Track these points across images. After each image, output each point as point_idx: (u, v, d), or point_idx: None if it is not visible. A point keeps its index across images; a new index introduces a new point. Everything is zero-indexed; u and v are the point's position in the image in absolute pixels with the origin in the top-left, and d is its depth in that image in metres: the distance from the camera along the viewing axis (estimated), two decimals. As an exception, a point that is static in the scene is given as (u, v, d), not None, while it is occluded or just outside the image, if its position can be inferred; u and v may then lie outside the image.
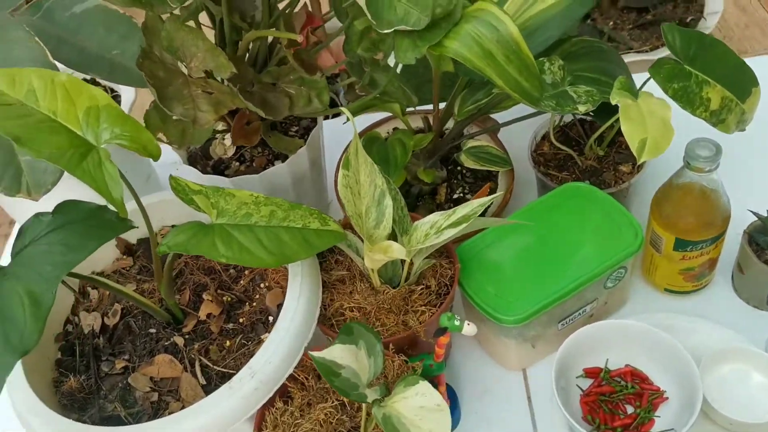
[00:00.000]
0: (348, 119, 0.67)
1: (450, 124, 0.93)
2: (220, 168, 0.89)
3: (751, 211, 0.79)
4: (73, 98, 0.59)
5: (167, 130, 0.75)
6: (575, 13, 0.76)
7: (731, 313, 0.82)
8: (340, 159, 0.95)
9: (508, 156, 0.89)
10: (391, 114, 0.95)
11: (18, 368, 0.65)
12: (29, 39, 0.65)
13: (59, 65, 0.69)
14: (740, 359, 0.75)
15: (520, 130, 0.92)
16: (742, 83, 0.77)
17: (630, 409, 0.75)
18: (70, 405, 0.67)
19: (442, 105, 0.89)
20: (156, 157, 0.60)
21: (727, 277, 0.85)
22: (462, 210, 0.68)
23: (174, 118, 0.72)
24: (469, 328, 0.65)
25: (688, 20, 1.82)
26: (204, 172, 0.87)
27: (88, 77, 0.83)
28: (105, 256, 0.79)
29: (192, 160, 0.91)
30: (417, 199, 0.93)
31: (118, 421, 0.64)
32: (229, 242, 0.60)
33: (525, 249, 0.77)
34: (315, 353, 0.56)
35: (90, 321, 0.74)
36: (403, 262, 0.74)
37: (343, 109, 0.69)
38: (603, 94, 0.76)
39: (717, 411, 0.70)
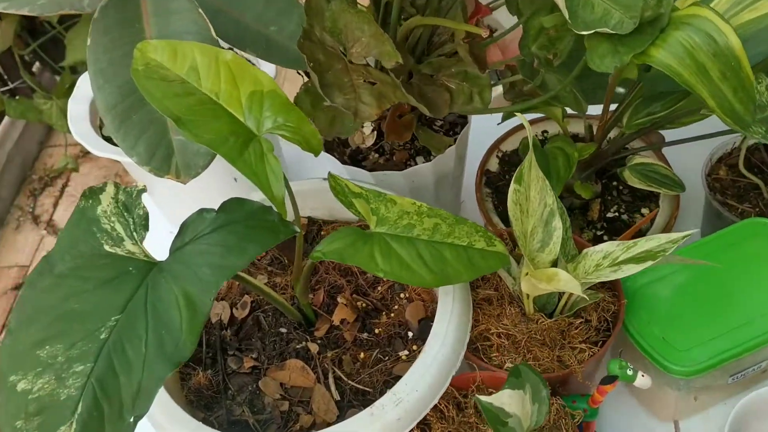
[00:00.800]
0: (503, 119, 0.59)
1: (612, 133, 0.84)
2: (357, 158, 0.84)
3: None
4: (237, 80, 0.54)
5: (317, 117, 0.69)
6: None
7: None
8: (483, 160, 0.88)
9: (679, 179, 0.79)
10: (543, 115, 0.87)
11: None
12: (193, 10, 0.60)
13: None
14: None
15: (686, 150, 0.82)
16: None
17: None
18: (196, 402, 0.63)
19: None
20: (317, 153, 0.55)
21: None
22: (645, 244, 0.60)
23: (325, 104, 0.67)
24: (643, 380, 0.57)
25: None
26: (342, 161, 0.81)
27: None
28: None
29: (328, 147, 0.86)
30: (569, 214, 0.85)
31: (246, 427, 0.60)
32: (389, 255, 0.54)
33: (696, 290, 0.68)
34: (483, 398, 0.49)
35: (218, 310, 0.70)
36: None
37: (519, 114, 0.62)
38: (816, 121, 0.65)
39: None
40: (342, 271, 0.71)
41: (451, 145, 0.78)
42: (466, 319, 0.62)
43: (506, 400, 0.50)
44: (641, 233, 0.81)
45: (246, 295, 0.71)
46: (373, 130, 0.84)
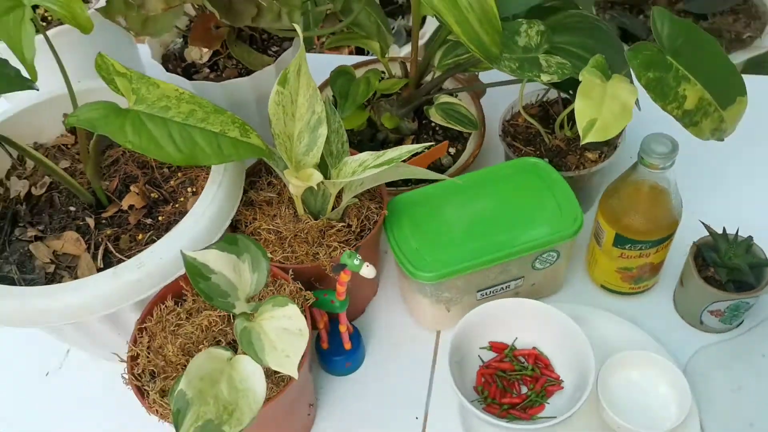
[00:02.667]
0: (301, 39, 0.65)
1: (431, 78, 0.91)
2: (189, 72, 0.89)
3: (703, 223, 0.75)
4: (17, -45, 0.59)
5: (128, 15, 0.74)
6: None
7: (663, 325, 0.79)
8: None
9: (477, 120, 0.86)
10: (375, 57, 0.93)
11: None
12: None
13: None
14: (650, 367, 0.72)
15: (508, 98, 0.89)
16: (727, 89, 0.72)
17: (524, 390, 0.73)
18: (-29, 258, 0.68)
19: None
20: (86, 30, 0.60)
21: (671, 288, 0.82)
22: (391, 153, 0.66)
23: (136, 5, 0.72)
24: (367, 270, 0.64)
25: (744, 36, 1.74)
26: (168, 70, 0.86)
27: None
28: (51, 129, 0.80)
29: (165, 59, 0.90)
30: (381, 146, 0.92)
31: (10, 283, 0.65)
32: (140, 130, 0.59)
33: (460, 212, 0.75)
34: (187, 252, 0.55)
35: (19, 187, 0.75)
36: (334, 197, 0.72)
37: (295, 25, 0.67)
38: (576, 69, 0.72)
39: (606, 410, 0.68)
40: (139, 163, 0.77)
41: (269, 64, 0.84)
42: (229, 206, 0.68)
43: (211, 258, 0.56)
44: (442, 169, 0.88)
45: (47, 177, 0.76)
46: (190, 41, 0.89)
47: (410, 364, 0.79)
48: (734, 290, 0.73)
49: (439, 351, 0.79)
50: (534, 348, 0.75)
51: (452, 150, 0.91)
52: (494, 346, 0.75)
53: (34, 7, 0.58)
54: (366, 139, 0.91)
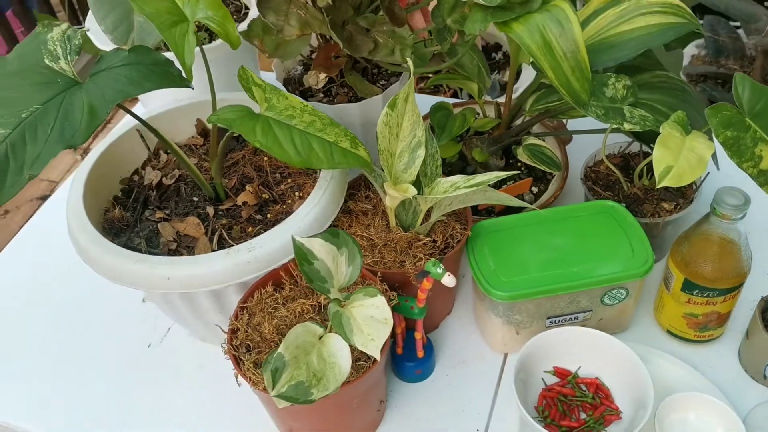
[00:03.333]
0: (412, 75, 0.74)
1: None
2: (306, 95, 0.99)
3: (771, 279, 0.78)
4: (187, -21, 0.71)
5: (265, 39, 0.85)
6: (651, 42, 0.78)
7: (725, 375, 0.82)
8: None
9: (560, 162, 0.93)
10: (471, 100, 1.01)
11: (80, 189, 0.79)
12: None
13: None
14: (708, 411, 0.75)
15: (592, 147, 0.95)
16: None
17: (583, 416, 0.77)
18: (108, 229, 0.79)
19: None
20: (234, 45, 0.70)
21: (737, 341, 0.84)
22: (481, 177, 0.73)
23: (272, 28, 0.83)
24: (448, 279, 0.71)
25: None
26: (287, 91, 0.97)
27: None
28: (184, 130, 0.91)
29: (286, 83, 1.02)
30: (469, 178, 0.99)
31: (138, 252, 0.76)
32: (267, 132, 0.69)
33: (537, 243, 0.81)
34: (297, 237, 0.64)
35: (152, 176, 0.86)
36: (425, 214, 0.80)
37: (408, 60, 0.76)
38: (658, 123, 0.78)
39: (660, 444, 0.71)
40: (256, 166, 0.87)
41: (377, 94, 0.93)
42: (333, 207, 0.77)
43: (316, 245, 0.64)
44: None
45: (177, 170, 0.87)
46: (326, 77, 1.00)
47: (476, 380, 0.84)
48: (798, 347, 0.76)
49: (505, 371, 0.84)
50: (596, 378, 0.79)
51: (535, 189, 0.97)
52: (558, 371, 0.80)
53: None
54: (456, 170, 0.99)
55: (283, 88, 0.96)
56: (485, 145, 0.97)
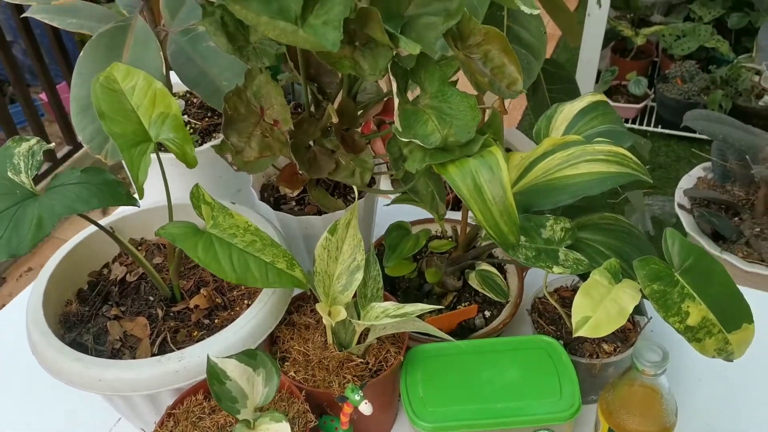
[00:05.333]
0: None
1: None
2: (280, 202, 1.05)
3: (696, 436, 0.78)
4: (156, 102, 0.78)
5: (235, 155, 0.92)
6: (589, 190, 0.81)
7: None
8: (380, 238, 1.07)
9: (506, 292, 0.95)
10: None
11: (44, 280, 0.84)
12: (157, 50, 0.85)
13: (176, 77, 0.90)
14: None
15: (554, 275, 0.97)
16: (733, 314, 0.77)
17: None
18: (64, 323, 0.85)
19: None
20: (190, 165, 0.77)
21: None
22: (408, 308, 0.76)
23: (237, 151, 0.89)
24: (365, 407, 0.73)
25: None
26: (262, 198, 1.03)
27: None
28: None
29: (264, 188, 1.08)
30: (426, 296, 1.02)
31: (84, 350, 0.80)
32: (208, 249, 0.74)
33: (470, 374, 0.83)
34: (212, 356, 0.67)
35: (118, 272, 0.92)
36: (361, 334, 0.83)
37: (355, 187, 0.81)
38: (593, 266, 0.80)
39: None
40: (213, 271, 0.92)
41: (340, 209, 0.98)
42: (267, 324, 0.81)
43: (230, 366, 0.67)
44: (474, 329, 0.97)
45: (140, 268, 0.92)
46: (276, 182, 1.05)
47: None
48: None
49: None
50: None
51: (488, 313, 0.99)
52: (477, 506, 0.80)
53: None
54: (414, 287, 1.02)
55: (256, 195, 1.02)
56: (444, 265, 1.00)
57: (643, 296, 0.76)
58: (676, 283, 0.76)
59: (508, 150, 1.70)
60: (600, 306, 0.73)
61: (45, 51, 2.58)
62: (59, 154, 2.60)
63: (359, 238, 0.80)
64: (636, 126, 2.80)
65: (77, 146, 2.65)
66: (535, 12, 0.83)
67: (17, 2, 0.89)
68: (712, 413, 0.91)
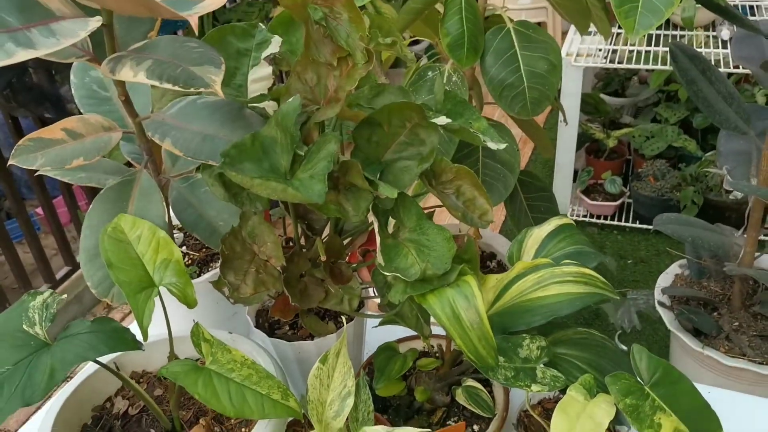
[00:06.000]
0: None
1: (466, 360, 1.07)
2: (274, 327, 1.11)
3: None
4: (159, 249, 0.85)
5: (231, 291, 0.99)
6: (560, 311, 0.88)
7: None
8: (369, 357, 1.12)
9: (492, 407, 1.00)
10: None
11: (51, 417, 0.89)
12: (160, 200, 0.94)
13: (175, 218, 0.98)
14: None
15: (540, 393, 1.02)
16: (703, 426, 0.82)
17: None
18: (70, 459, 0.88)
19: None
20: (190, 306, 0.83)
21: None
22: (398, 431, 0.81)
23: (233, 289, 0.96)
24: None
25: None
26: (257, 324, 1.09)
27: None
28: (158, 361, 1.03)
29: (258, 314, 1.14)
30: (416, 413, 1.06)
31: (88, 486, 0.84)
32: (207, 385, 0.79)
33: (460, 490, 0.87)
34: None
35: (120, 406, 0.96)
36: (353, 457, 0.87)
37: (343, 318, 0.88)
38: (569, 382, 0.86)
39: None
40: (212, 401, 0.96)
41: (331, 333, 1.04)
42: (265, 454, 0.85)
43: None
44: (464, 443, 1.01)
45: (142, 401, 0.97)
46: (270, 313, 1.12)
47: None
48: None
49: None
50: None
51: (476, 427, 1.03)
52: None
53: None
54: (404, 404, 1.06)
55: (251, 322, 1.08)
56: (432, 382, 1.05)
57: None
58: (646, 397, 0.81)
59: (491, 254, 1.78)
60: (577, 423, 0.78)
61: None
62: (58, 276, 2.66)
63: (349, 366, 0.86)
64: (615, 222, 2.91)
65: (75, 266, 2.72)
66: (502, 146, 0.92)
67: (37, 171, 0.97)
68: None
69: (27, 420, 1.20)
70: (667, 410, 0.81)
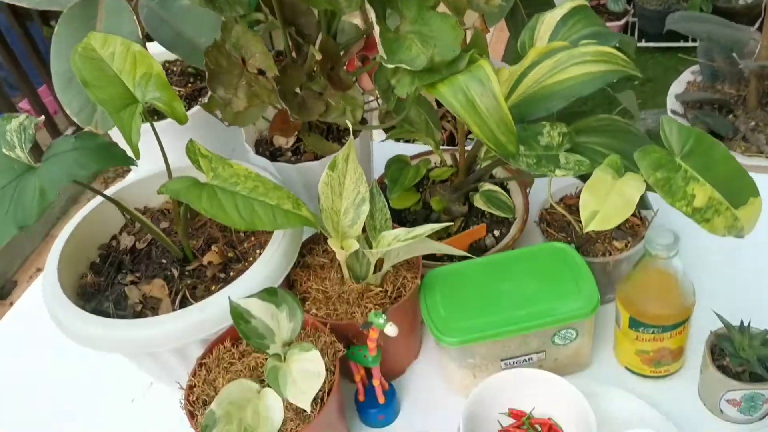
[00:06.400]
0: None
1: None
2: (276, 155, 1.05)
3: (716, 314, 0.79)
4: (137, 64, 0.77)
5: (224, 109, 0.91)
6: (581, 91, 0.81)
7: (684, 411, 0.82)
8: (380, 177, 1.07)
9: (512, 207, 0.96)
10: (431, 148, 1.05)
11: (55, 257, 0.85)
12: (131, 17, 0.85)
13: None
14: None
15: (556, 188, 0.98)
16: (739, 190, 0.77)
17: (535, 458, 0.79)
18: (81, 294, 0.86)
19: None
20: (181, 121, 0.77)
21: (697, 374, 0.85)
22: (418, 230, 0.77)
23: (225, 103, 0.89)
24: (390, 329, 0.74)
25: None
26: (258, 152, 1.03)
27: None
28: (158, 196, 0.98)
29: (258, 143, 1.08)
30: (434, 225, 1.02)
31: (105, 316, 0.81)
32: (212, 199, 0.74)
33: (487, 287, 0.84)
34: (233, 299, 0.68)
35: (127, 242, 0.92)
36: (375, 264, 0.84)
37: (348, 122, 0.81)
38: (594, 166, 0.81)
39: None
40: (221, 227, 0.92)
41: (336, 151, 0.98)
42: (282, 267, 0.81)
43: (252, 305, 0.68)
44: (485, 249, 0.98)
45: (149, 234, 0.93)
46: (295, 137, 1.06)
47: (440, 424, 0.86)
48: (748, 381, 0.76)
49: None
50: (549, 418, 0.81)
51: (497, 232, 1.00)
52: (513, 413, 0.82)
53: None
54: (421, 218, 1.03)
55: (251, 150, 1.02)
56: (447, 193, 1.01)
57: (648, 188, 0.77)
58: (678, 168, 0.76)
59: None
60: (606, 200, 0.74)
61: (21, 57, 2.57)
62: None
63: (360, 172, 0.80)
64: (619, 44, 2.78)
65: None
66: None
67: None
68: (730, 292, 0.93)
69: (38, 276, 1.18)
70: (700, 180, 0.76)
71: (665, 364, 0.83)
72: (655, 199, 0.87)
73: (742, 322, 0.79)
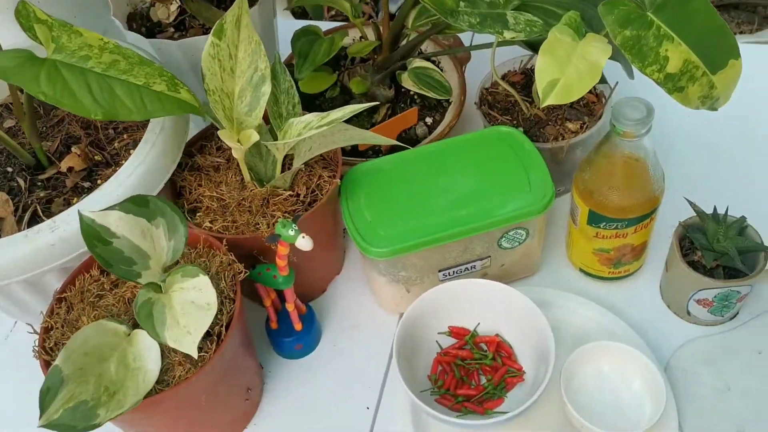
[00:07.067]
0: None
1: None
2: (154, 31, 0.84)
3: (688, 200, 0.67)
4: None
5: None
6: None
7: (645, 315, 0.72)
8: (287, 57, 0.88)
9: (449, 86, 0.80)
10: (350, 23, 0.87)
11: None
12: None
13: None
14: (623, 360, 0.65)
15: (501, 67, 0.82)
16: (718, 51, 0.64)
17: (483, 381, 0.67)
18: None
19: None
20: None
21: (658, 274, 0.74)
22: (335, 113, 0.60)
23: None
24: (303, 242, 0.58)
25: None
26: (131, 29, 0.82)
27: None
28: (3, 88, 0.76)
29: (131, 18, 0.86)
30: (355, 116, 0.85)
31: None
32: (55, 80, 0.55)
33: (420, 184, 0.69)
34: (84, 211, 0.50)
35: (-41, 147, 0.71)
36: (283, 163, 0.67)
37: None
38: (548, 27, 0.65)
39: (568, 406, 0.61)
40: (84, 123, 0.73)
41: (229, 22, 0.78)
42: (164, 166, 0.64)
43: (113, 220, 0.51)
44: (417, 140, 0.82)
45: (-11, 137, 0.72)
46: (178, 8, 0.85)
47: (368, 349, 0.73)
48: (722, 277, 0.66)
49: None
50: (497, 335, 0.69)
51: (429, 120, 0.84)
52: (454, 332, 0.69)
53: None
54: (338, 105, 0.85)
55: (122, 26, 0.81)
56: (370, 73, 0.83)
57: (614, 50, 0.62)
58: (650, 25, 0.62)
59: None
60: (568, 65, 0.59)
61: None
62: None
63: (257, 41, 0.62)
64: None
65: None
66: None
67: None
68: (701, 177, 0.82)
69: None
70: (675, 38, 0.61)
71: (625, 264, 0.72)
72: (611, 69, 0.73)
73: (715, 209, 0.67)
